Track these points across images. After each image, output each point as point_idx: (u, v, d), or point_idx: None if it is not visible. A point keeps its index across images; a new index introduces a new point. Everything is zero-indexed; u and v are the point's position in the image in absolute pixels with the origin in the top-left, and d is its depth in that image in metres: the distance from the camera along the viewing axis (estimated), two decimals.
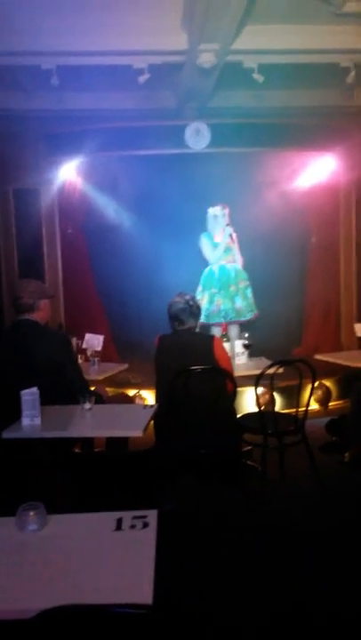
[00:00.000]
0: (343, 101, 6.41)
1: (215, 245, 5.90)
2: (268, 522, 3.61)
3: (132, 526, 1.97)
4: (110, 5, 4.49)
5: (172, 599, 2.62)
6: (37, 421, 3.08)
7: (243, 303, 5.88)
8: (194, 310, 3.85)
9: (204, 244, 5.94)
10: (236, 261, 5.98)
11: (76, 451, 3.78)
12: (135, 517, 2.02)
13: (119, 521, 2.00)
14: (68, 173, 6.90)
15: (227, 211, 5.94)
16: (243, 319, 5.86)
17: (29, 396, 3.08)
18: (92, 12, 4.51)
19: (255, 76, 5.05)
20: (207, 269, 6.03)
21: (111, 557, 1.82)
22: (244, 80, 5.25)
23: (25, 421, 3.08)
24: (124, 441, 3.56)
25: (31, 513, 1.98)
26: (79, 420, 3.24)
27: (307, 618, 2.70)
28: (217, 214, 5.91)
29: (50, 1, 4.42)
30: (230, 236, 5.91)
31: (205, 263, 6.07)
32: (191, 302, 3.85)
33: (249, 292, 5.98)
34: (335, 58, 5.11)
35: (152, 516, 2.03)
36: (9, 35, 4.58)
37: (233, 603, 2.80)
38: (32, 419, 3.08)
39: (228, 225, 5.91)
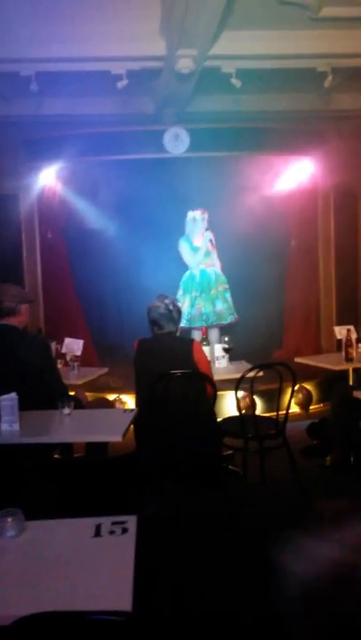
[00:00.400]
0: (321, 106, 6.47)
1: (195, 249, 5.93)
2: (250, 526, 3.61)
3: (112, 532, 1.95)
4: (88, 12, 4.49)
5: (151, 605, 2.60)
6: (16, 427, 3.04)
7: (223, 306, 5.92)
8: (174, 315, 3.81)
9: (183, 248, 5.97)
10: (215, 265, 6.01)
11: (56, 456, 3.76)
12: (114, 523, 2.00)
13: (98, 527, 1.98)
14: (48, 178, 6.87)
15: (206, 215, 5.96)
16: (224, 322, 5.90)
17: (8, 401, 3.04)
18: (71, 18, 4.51)
19: (233, 81, 5.07)
20: (187, 273, 6.06)
21: (90, 563, 1.81)
22: (222, 85, 5.27)
23: (3, 427, 3.03)
24: (103, 446, 3.52)
25: (9, 519, 1.96)
26: (58, 425, 3.22)
27: (287, 621, 2.70)
28: (196, 218, 5.94)
29: (28, 8, 4.40)
30: (210, 240, 5.94)
31: (185, 267, 6.09)
32: (171, 307, 3.80)
33: (228, 296, 6.02)
34: (312, 62, 5.16)
35: (131, 521, 2.02)
36: None
37: (213, 608, 2.79)
38: (11, 424, 3.04)
39: (207, 229, 5.93)
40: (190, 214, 5.98)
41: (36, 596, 1.63)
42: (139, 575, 1.69)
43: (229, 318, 5.94)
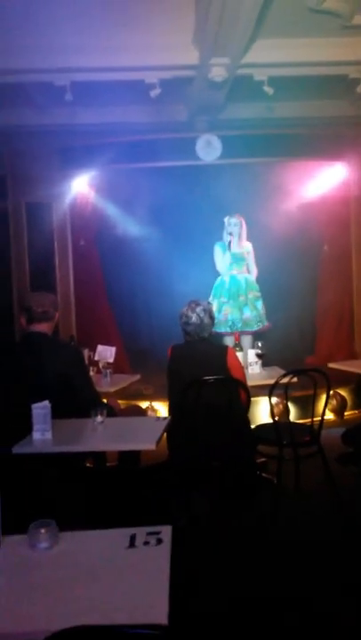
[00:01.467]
0: (353, 111, 6.44)
1: (226, 254, 5.97)
2: (285, 536, 3.60)
3: (146, 543, 1.93)
4: (122, 22, 4.54)
5: (188, 619, 2.59)
6: (48, 435, 3.02)
7: (251, 314, 5.95)
8: (205, 322, 3.78)
9: (217, 253, 6.02)
10: (250, 272, 6.06)
11: (88, 465, 3.76)
12: (149, 534, 1.97)
13: (132, 537, 1.96)
14: (81, 186, 6.97)
15: (242, 220, 6.01)
16: (249, 329, 5.92)
17: (41, 409, 3.02)
18: (105, 28, 4.56)
19: (265, 88, 5.09)
20: (219, 279, 6.10)
21: (124, 575, 1.78)
22: (254, 92, 5.29)
23: (36, 435, 3.02)
24: (136, 454, 3.51)
25: (42, 530, 1.94)
26: (91, 433, 3.18)
27: (326, 633, 2.69)
28: (231, 222, 5.98)
29: (62, 19, 4.47)
30: (248, 251, 6.02)
31: (217, 273, 6.13)
32: (202, 314, 3.78)
33: (259, 304, 6.04)
34: (344, 69, 5.15)
35: (166, 531, 1.98)
36: (23, 53, 4.65)
37: (250, 621, 2.77)
38: (43, 433, 3.01)
39: (247, 240, 6.00)
40: (226, 220, 6.02)
41: (70, 610, 1.61)
42: (173, 588, 1.65)
43: (256, 326, 5.96)
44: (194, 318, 3.77)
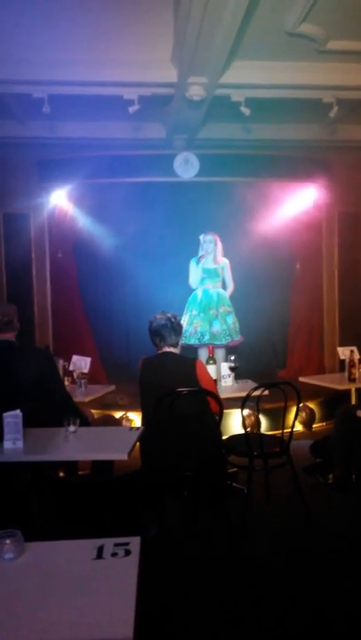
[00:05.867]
0: (326, 136, 6.66)
1: (200, 269, 6.08)
2: (255, 545, 3.66)
3: (114, 554, 1.88)
4: (102, 37, 4.64)
5: (154, 633, 2.58)
6: (20, 444, 2.99)
7: (221, 327, 6.05)
8: (175, 327, 3.87)
9: (192, 268, 6.13)
10: (226, 288, 6.18)
11: (60, 474, 3.78)
12: (117, 545, 1.92)
13: (100, 548, 1.91)
14: (59, 199, 7.01)
15: (216, 238, 6.11)
16: (218, 343, 6.00)
17: (12, 418, 2.99)
18: (83, 42, 4.65)
19: (242, 109, 5.22)
20: (193, 293, 6.21)
21: (90, 588, 1.72)
22: (231, 113, 5.43)
23: (7, 444, 2.98)
24: (109, 464, 3.50)
25: (7, 541, 1.88)
26: (63, 442, 3.17)
27: None
28: (206, 240, 6.09)
29: (41, 31, 4.55)
30: (223, 267, 6.13)
31: (191, 289, 6.24)
32: (173, 319, 3.87)
33: (230, 319, 6.14)
34: (319, 94, 5.31)
35: (135, 543, 1.93)
36: (1, 64, 4.70)
37: (219, 634, 2.77)
38: (14, 441, 2.98)
39: (223, 257, 6.15)
40: (202, 238, 6.13)
41: (33, 624, 1.55)
42: (140, 601, 1.62)
43: (225, 340, 6.05)
44: (163, 320, 3.85)
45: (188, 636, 2.75)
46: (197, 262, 6.11)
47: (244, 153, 6.85)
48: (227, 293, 6.25)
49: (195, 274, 6.13)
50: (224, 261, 6.23)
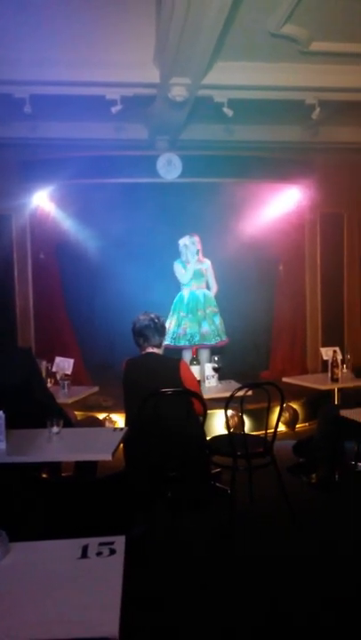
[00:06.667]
0: (308, 137, 6.70)
1: (187, 270, 6.08)
2: (240, 545, 3.65)
3: (99, 553, 1.88)
4: (84, 38, 4.62)
5: (140, 631, 2.58)
6: (2, 445, 2.99)
7: (210, 328, 6.05)
8: (158, 327, 3.88)
9: (178, 269, 6.12)
10: (210, 288, 6.18)
11: (44, 476, 3.75)
12: (102, 544, 1.93)
13: (85, 548, 1.92)
14: (41, 200, 6.97)
15: (197, 238, 6.11)
16: (207, 343, 6.02)
17: None
18: (66, 42, 4.64)
19: (225, 110, 5.24)
20: (178, 295, 6.20)
21: (75, 587, 1.73)
22: (214, 114, 5.44)
23: None
24: (93, 465, 3.50)
25: None
26: (46, 443, 3.16)
27: None
28: (187, 244, 6.08)
29: (23, 31, 4.52)
30: (206, 267, 6.13)
31: (176, 289, 6.22)
32: (156, 320, 3.88)
33: (217, 319, 6.15)
34: (301, 95, 5.34)
35: (119, 542, 1.94)
36: None
37: (204, 633, 2.77)
38: None
39: (204, 257, 6.15)
40: (181, 242, 6.13)
41: (18, 624, 1.56)
42: (126, 600, 1.63)
43: (214, 340, 6.06)
44: (146, 320, 3.86)
45: (172, 635, 2.75)
46: (183, 264, 6.10)
47: (227, 154, 6.86)
48: (211, 293, 6.26)
49: (185, 272, 6.11)
50: (206, 262, 6.23)
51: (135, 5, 4.57)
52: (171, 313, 6.19)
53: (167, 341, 5.66)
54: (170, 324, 6.06)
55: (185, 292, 6.17)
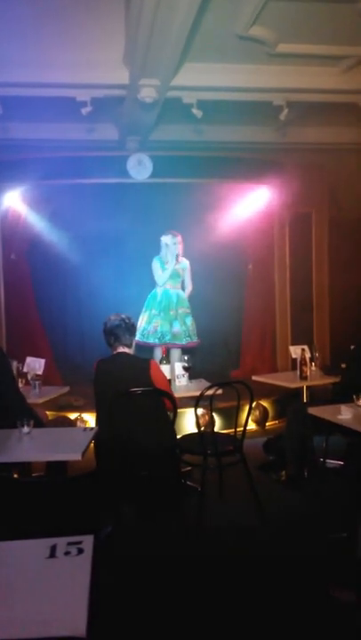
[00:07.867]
0: (277, 138, 6.78)
1: (165, 269, 6.09)
2: (209, 542, 3.69)
3: (67, 553, 1.88)
4: (53, 38, 4.60)
5: (107, 630, 2.58)
6: None
7: (181, 328, 6.08)
8: (129, 327, 3.93)
9: (156, 267, 6.12)
10: (185, 288, 6.21)
11: (14, 476, 3.75)
12: (70, 543, 1.92)
13: (53, 548, 1.91)
14: (12, 201, 6.92)
15: (179, 238, 6.13)
16: (178, 343, 6.05)
17: None
18: (34, 43, 4.61)
19: (194, 111, 5.27)
20: (152, 292, 6.21)
21: (43, 586, 1.73)
22: (184, 115, 5.46)
23: None
24: (62, 465, 3.46)
25: None
26: (17, 444, 3.15)
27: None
28: (168, 243, 6.09)
29: None
30: (184, 268, 6.16)
31: (148, 289, 6.25)
32: (127, 320, 3.93)
33: (188, 320, 6.17)
34: (269, 96, 5.38)
35: (88, 541, 1.93)
36: None
37: (171, 632, 2.78)
38: None
39: (183, 257, 6.17)
40: (163, 239, 6.13)
41: None
42: (94, 599, 1.63)
43: (185, 340, 6.09)
44: (117, 320, 3.91)
45: (140, 634, 2.76)
46: (161, 262, 6.11)
47: (197, 154, 6.90)
48: (185, 294, 6.28)
49: (162, 274, 6.13)
50: (184, 262, 6.24)
51: (103, 5, 4.56)
52: (143, 309, 6.20)
53: (137, 337, 5.67)
54: (141, 321, 6.09)
55: (159, 290, 6.18)
